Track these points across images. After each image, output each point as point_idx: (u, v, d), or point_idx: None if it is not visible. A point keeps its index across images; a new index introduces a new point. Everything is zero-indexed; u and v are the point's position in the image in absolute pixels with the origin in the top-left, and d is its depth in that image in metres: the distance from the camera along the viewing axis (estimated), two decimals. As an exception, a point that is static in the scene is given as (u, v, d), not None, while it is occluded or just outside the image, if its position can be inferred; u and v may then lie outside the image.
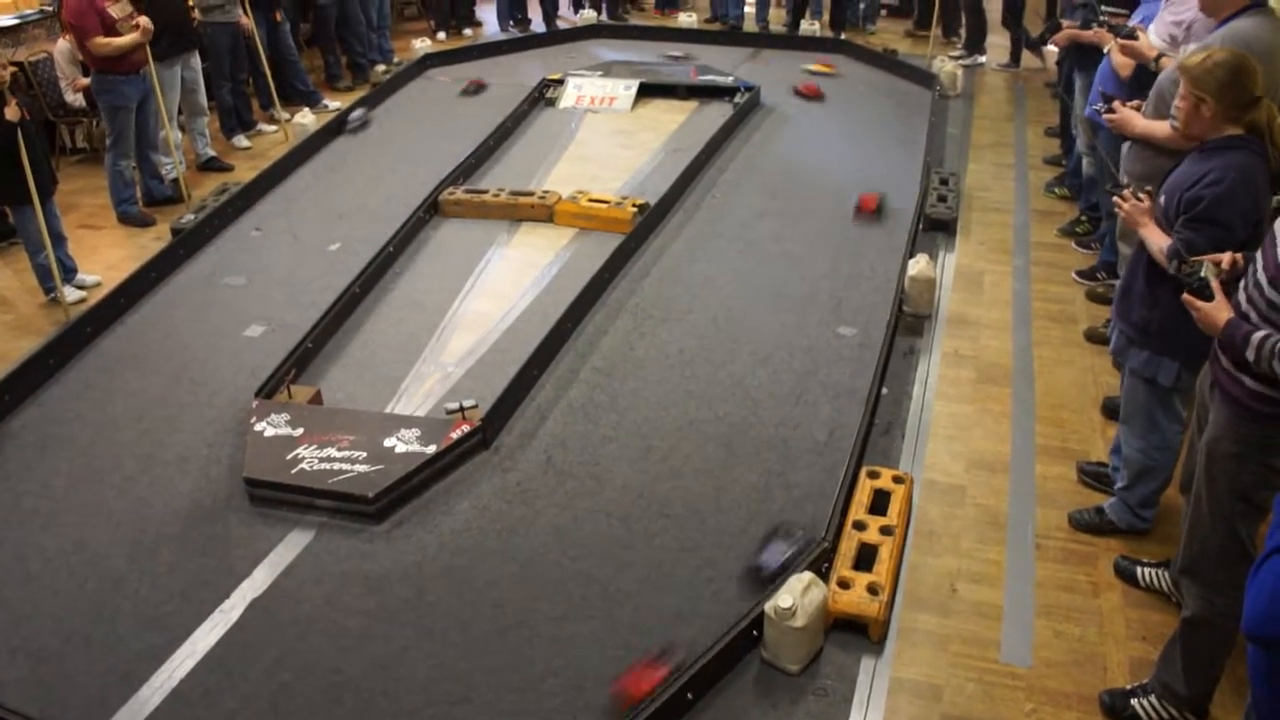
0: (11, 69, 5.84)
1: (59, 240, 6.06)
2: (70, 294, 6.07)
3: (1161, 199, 3.57)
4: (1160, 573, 3.85)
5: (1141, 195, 3.66)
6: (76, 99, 7.93)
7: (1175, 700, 3.30)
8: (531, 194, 6.71)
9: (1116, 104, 4.45)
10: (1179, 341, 3.61)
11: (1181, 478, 3.46)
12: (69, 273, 6.18)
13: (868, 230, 6.46)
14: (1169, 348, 3.68)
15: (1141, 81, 5.04)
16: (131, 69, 6.82)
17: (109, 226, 7.11)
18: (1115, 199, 3.76)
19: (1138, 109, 4.43)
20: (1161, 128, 4.10)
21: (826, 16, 11.38)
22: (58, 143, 8.22)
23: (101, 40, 6.61)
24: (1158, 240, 3.51)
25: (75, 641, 3.65)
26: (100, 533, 4.15)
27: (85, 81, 7.61)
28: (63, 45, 7.81)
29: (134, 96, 6.91)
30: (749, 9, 11.68)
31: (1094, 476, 4.42)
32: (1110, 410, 4.77)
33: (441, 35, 11.50)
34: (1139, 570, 3.89)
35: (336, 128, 8.25)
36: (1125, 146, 4.62)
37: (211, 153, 8.12)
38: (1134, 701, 3.36)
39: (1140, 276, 3.70)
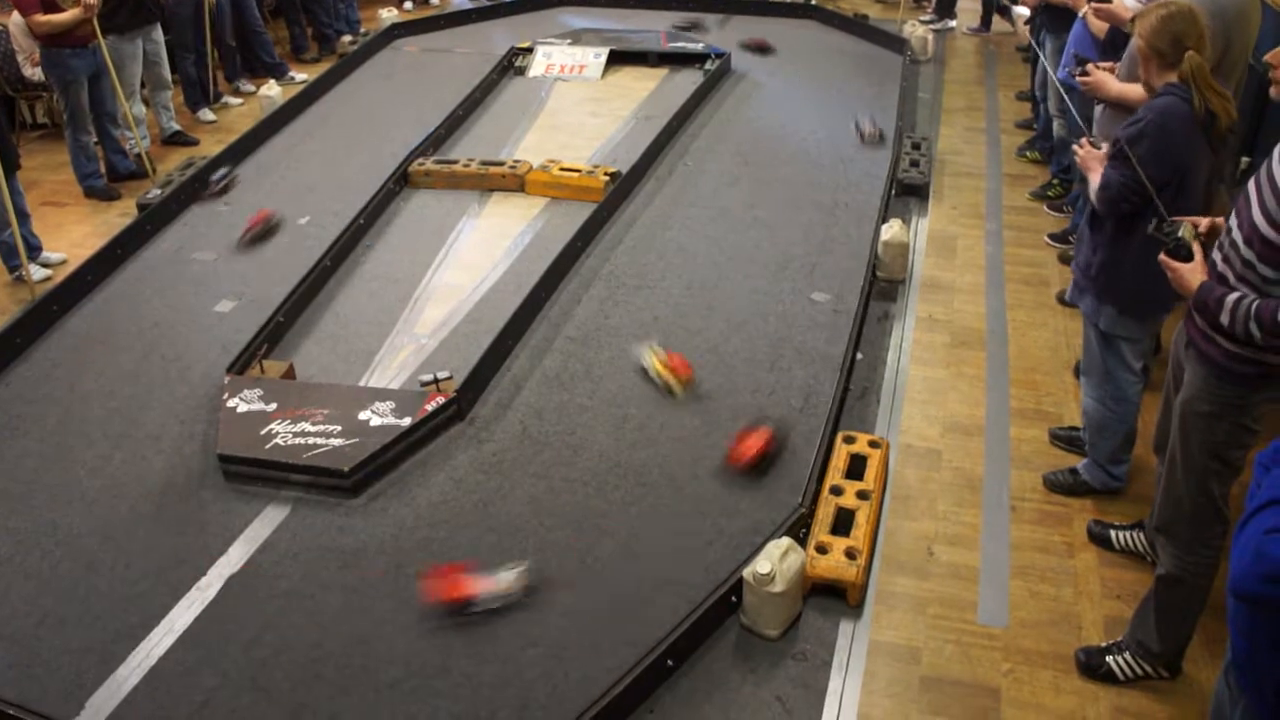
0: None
1: (23, 217, 5.96)
2: (36, 272, 5.98)
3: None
4: (1134, 534, 3.89)
5: (1100, 145, 3.79)
6: (35, 73, 7.77)
7: (1149, 656, 3.35)
8: (502, 164, 6.65)
9: (1090, 66, 4.45)
10: (1114, 287, 3.73)
11: (1155, 438, 3.49)
12: (34, 250, 6.09)
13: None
14: (1105, 293, 3.78)
15: (1115, 44, 5.05)
16: (79, 42, 6.65)
17: (73, 203, 7.01)
18: (1074, 146, 3.89)
19: (1111, 71, 4.44)
20: (1136, 90, 4.12)
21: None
22: (17, 118, 8.06)
23: (41, 18, 6.45)
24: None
25: (50, 623, 3.62)
26: (72, 513, 4.10)
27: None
28: (18, 18, 7.64)
29: (83, 70, 6.75)
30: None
31: (1066, 441, 4.46)
32: (1082, 372, 4.81)
33: (408, 5, 11.36)
34: (1113, 534, 3.93)
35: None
36: (1098, 109, 4.62)
37: (176, 126, 7.99)
38: (1109, 659, 3.40)
39: (1085, 223, 3.83)
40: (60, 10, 6.49)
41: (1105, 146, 3.75)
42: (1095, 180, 3.67)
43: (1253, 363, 2.84)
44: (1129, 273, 3.61)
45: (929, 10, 10.48)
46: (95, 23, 6.69)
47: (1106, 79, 4.40)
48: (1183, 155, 3.43)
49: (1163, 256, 3.02)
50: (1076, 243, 4.00)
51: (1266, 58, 2.97)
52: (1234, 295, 2.75)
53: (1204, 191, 3.58)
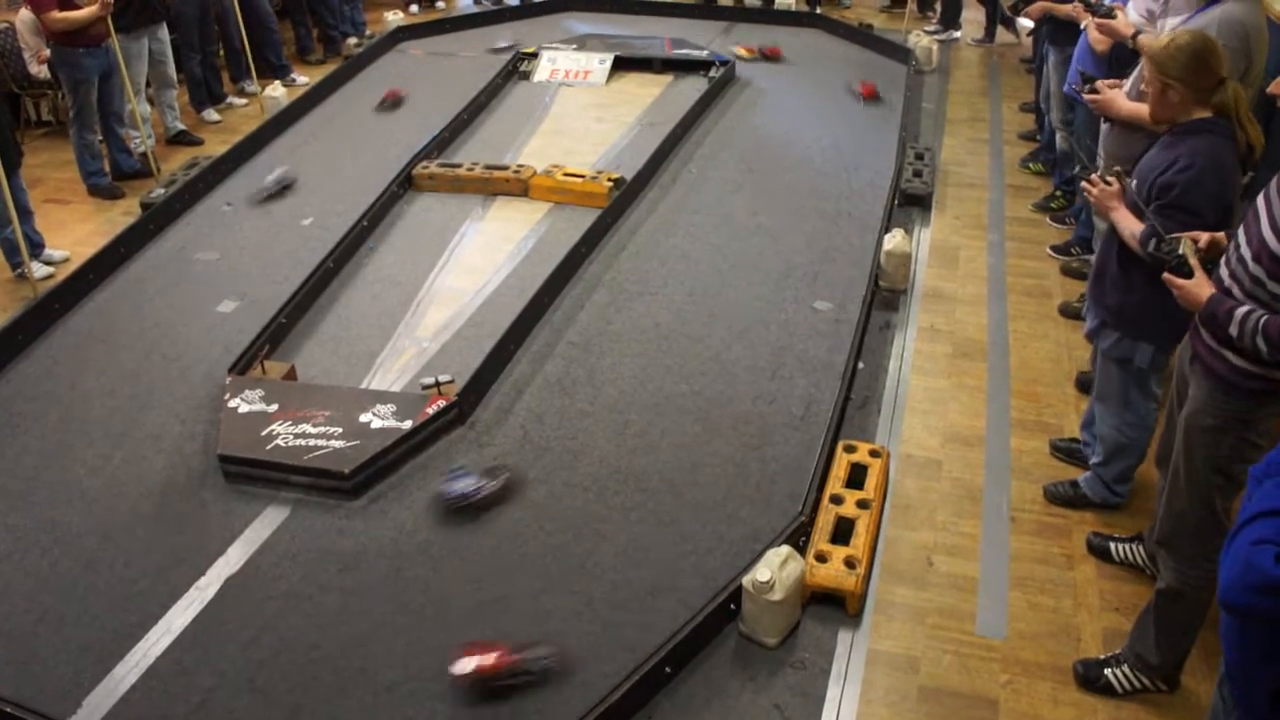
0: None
1: (25, 214, 5.96)
2: (38, 270, 5.98)
3: (1133, 183, 3.57)
4: (1134, 547, 3.89)
5: (1110, 178, 3.66)
6: (41, 70, 7.78)
7: (1147, 669, 3.35)
8: (506, 168, 6.65)
9: (1100, 84, 4.41)
10: (1153, 325, 3.65)
11: (1158, 451, 3.49)
12: (36, 248, 6.08)
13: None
14: (1143, 331, 3.71)
15: (1120, 60, 5.04)
16: (93, 42, 6.67)
17: (76, 201, 7.01)
18: (1084, 183, 3.76)
19: (1118, 88, 4.41)
20: (1146, 110, 4.06)
21: (802, -10, 11.33)
22: (22, 115, 8.07)
23: (58, 15, 6.47)
24: (1129, 225, 3.50)
25: (48, 621, 3.62)
26: (72, 511, 4.10)
27: (49, 53, 7.48)
28: (25, 15, 7.65)
29: (95, 70, 6.77)
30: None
31: (1066, 453, 4.45)
32: (1084, 384, 4.80)
33: (414, 8, 11.38)
34: (1112, 546, 3.93)
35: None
36: (1104, 127, 4.61)
37: (181, 126, 8.00)
38: (1107, 671, 3.40)
39: (1113, 261, 3.70)
40: (77, 8, 6.50)
41: (1117, 182, 3.64)
42: (1121, 220, 3.53)
43: (1259, 378, 2.84)
44: (1170, 311, 3.31)
45: (934, 21, 10.50)
46: (109, 21, 6.70)
47: (1116, 97, 4.33)
48: (1233, 194, 3.38)
49: (1166, 275, 3.02)
50: (1094, 281, 3.85)
51: (1270, 89, 2.96)
52: (1244, 309, 2.76)
53: None
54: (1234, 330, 2.77)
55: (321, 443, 4.25)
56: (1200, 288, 2.91)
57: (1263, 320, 2.69)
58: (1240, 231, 2.83)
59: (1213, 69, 3.34)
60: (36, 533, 4.01)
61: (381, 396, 4.55)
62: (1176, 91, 3.39)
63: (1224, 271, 2.89)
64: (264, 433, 4.31)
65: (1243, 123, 3.35)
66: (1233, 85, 3.35)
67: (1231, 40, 3.94)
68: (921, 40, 9.30)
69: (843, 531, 3.87)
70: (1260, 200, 2.75)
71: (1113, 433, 3.98)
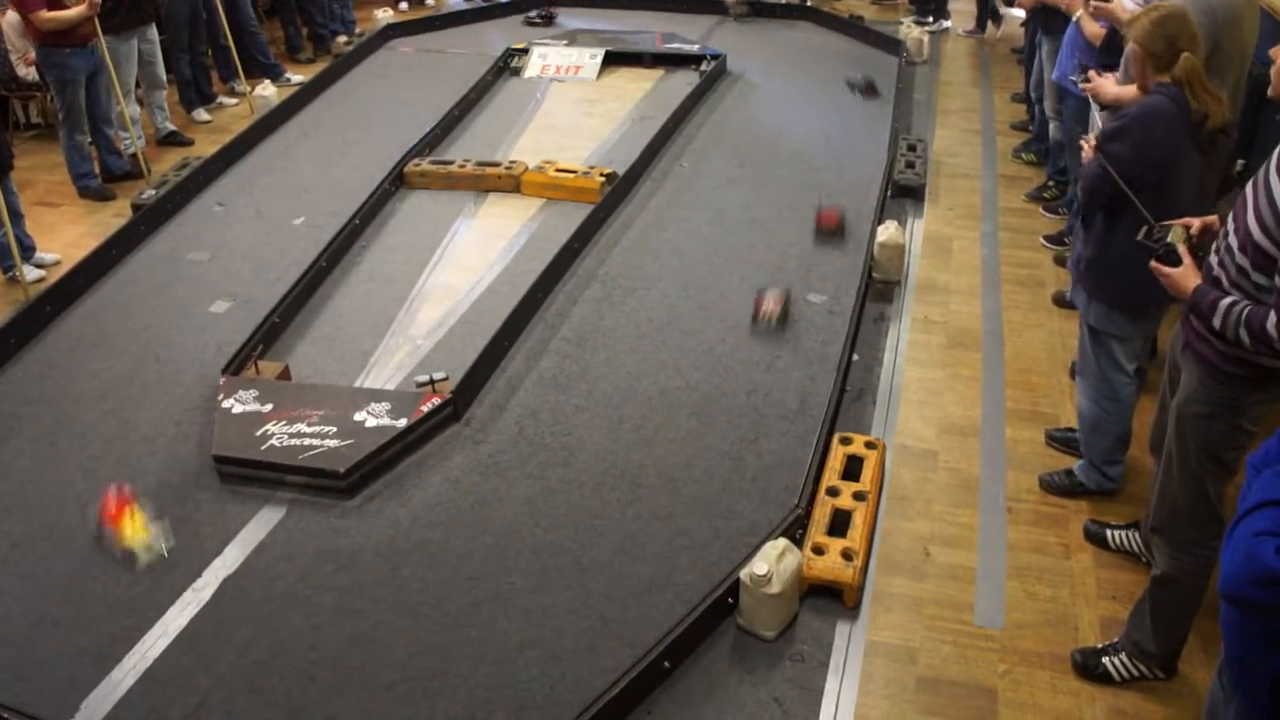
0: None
1: (16, 218, 5.93)
2: (29, 273, 5.96)
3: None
4: (1130, 534, 3.89)
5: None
6: (29, 73, 7.75)
7: (1145, 657, 3.35)
8: (498, 164, 6.64)
9: (1092, 73, 4.45)
10: (1102, 283, 3.75)
11: (1151, 439, 3.49)
12: (27, 251, 6.06)
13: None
14: (1095, 288, 3.79)
15: (1112, 48, 5.03)
16: (79, 41, 6.64)
17: (67, 204, 6.99)
18: (1081, 141, 3.91)
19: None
20: (1131, 92, 4.12)
21: (792, -18, 11.29)
22: (10, 118, 8.04)
23: (46, 15, 6.44)
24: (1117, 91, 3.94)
25: (45, 625, 3.61)
26: (67, 515, 4.09)
27: (35, 55, 7.44)
28: (11, 17, 7.61)
29: (82, 70, 6.74)
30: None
31: (1062, 442, 4.46)
32: (1078, 374, 4.81)
33: (404, 5, 11.34)
34: (1109, 533, 3.94)
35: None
36: (1102, 113, 4.60)
37: (171, 127, 7.97)
38: (1105, 659, 3.41)
39: (1078, 220, 3.88)
40: (65, 8, 6.48)
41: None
42: (1109, 91, 3.81)
43: (1246, 364, 2.84)
44: (1115, 269, 3.64)
45: (914, 11, 10.46)
46: (96, 21, 6.68)
47: (1104, 83, 4.39)
48: (1162, 153, 3.44)
49: (1153, 264, 3.03)
50: (1073, 240, 4.01)
51: (1271, 52, 2.95)
52: (1227, 300, 2.75)
53: (1194, 195, 3.55)
54: (1217, 322, 2.76)
55: (316, 442, 4.24)
56: (1186, 277, 2.92)
57: (1245, 311, 2.67)
58: (1230, 219, 2.83)
59: (1173, 42, 3.47)
60: (32, 537, 4.00)
61: (376, 395, 4.54)
62: (1136, 56, 3.58)
63: (1213, 259, 2.89)
64: (258, 433, 4.30)
65: (1197, 93, 3.41)
66: (1188, 57, 3.42)
67: (1199, 18, 3.97)
68: (912, 31, 9.29)
69: (839, 524, 3.87)
70: (1249, 188, 2.75)
71: (1090, 406, 4.01)
